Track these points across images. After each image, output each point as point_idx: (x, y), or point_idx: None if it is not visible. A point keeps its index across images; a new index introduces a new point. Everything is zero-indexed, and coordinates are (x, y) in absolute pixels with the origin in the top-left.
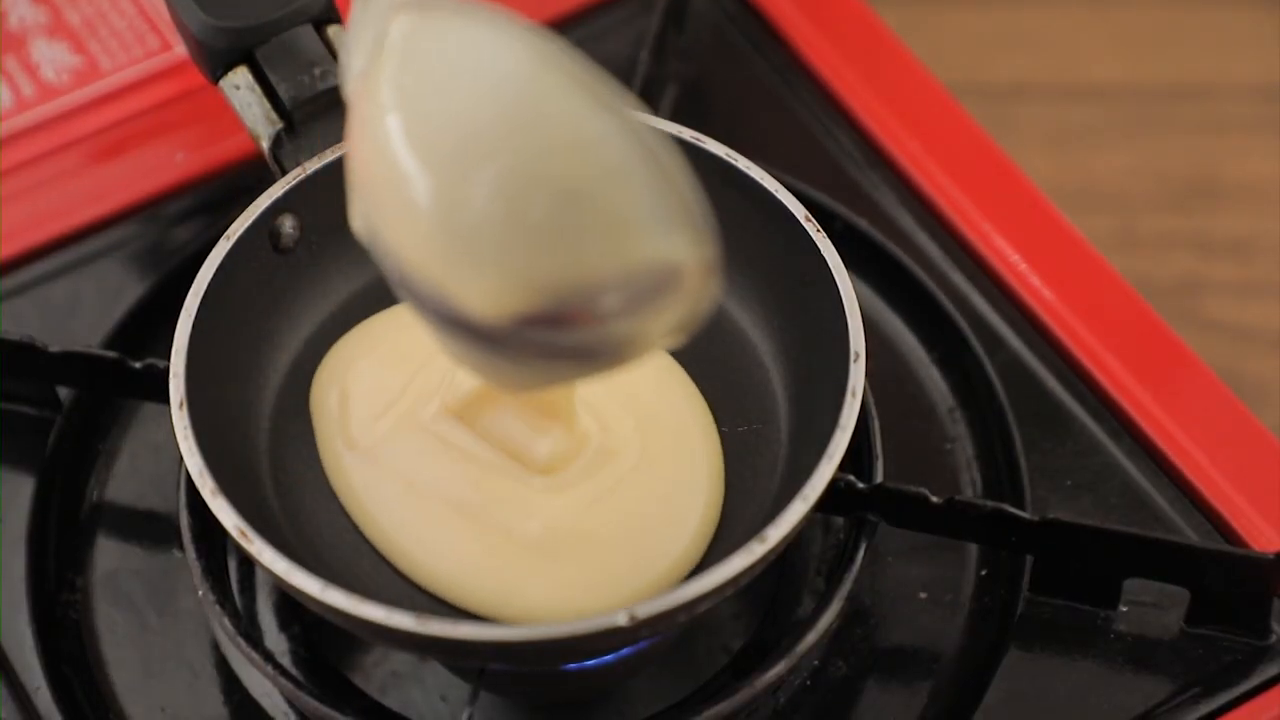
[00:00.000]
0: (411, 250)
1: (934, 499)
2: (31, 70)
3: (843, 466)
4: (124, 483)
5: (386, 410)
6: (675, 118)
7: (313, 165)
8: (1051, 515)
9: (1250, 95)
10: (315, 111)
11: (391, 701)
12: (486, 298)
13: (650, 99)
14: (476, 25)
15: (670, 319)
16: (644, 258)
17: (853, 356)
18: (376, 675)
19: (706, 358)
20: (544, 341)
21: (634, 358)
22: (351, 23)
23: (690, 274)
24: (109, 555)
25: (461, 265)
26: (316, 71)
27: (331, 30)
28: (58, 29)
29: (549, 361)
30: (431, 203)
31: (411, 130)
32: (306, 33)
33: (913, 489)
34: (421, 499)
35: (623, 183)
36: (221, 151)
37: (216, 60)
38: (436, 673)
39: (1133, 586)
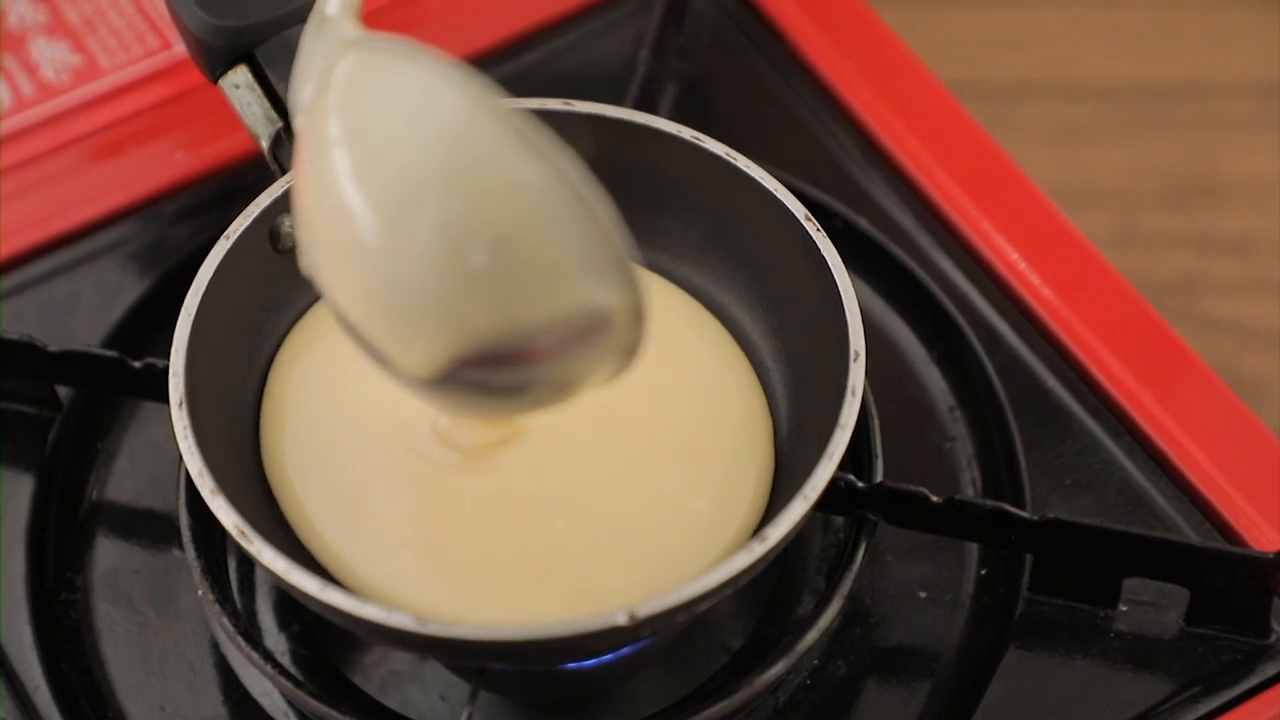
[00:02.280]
0: (344, 296)
1: (934, 498)
2: (31, 69)
3: (842, 466)
4: (123, 482)
5: (325, 412)
6: (675, 116)
7: None
8: (1051, 514)
9: (1249, 93)
10: None
11: (391, 701)
12: (418, 355)
13: (650, 97)
14: (419, 71)
15: (602, 359)
16: (573, 304)
17: (852, 355)
18: (376, 674)
19: None
20: (476, 380)
21: (570, 395)
22: (301, 50)
23: (619, 318)
24: (108, 554)
25: (392, 319)
26: None
27: None
28: (57, 28)
29: (483, 397)
30: (362, 252)
31: (346, 177)
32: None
33: (912, 488)
34: (371, 522)
35: (553, 230)
36: (221, 150)
37: (216, 59)
38: (436, 672)
39: (1132, 586)
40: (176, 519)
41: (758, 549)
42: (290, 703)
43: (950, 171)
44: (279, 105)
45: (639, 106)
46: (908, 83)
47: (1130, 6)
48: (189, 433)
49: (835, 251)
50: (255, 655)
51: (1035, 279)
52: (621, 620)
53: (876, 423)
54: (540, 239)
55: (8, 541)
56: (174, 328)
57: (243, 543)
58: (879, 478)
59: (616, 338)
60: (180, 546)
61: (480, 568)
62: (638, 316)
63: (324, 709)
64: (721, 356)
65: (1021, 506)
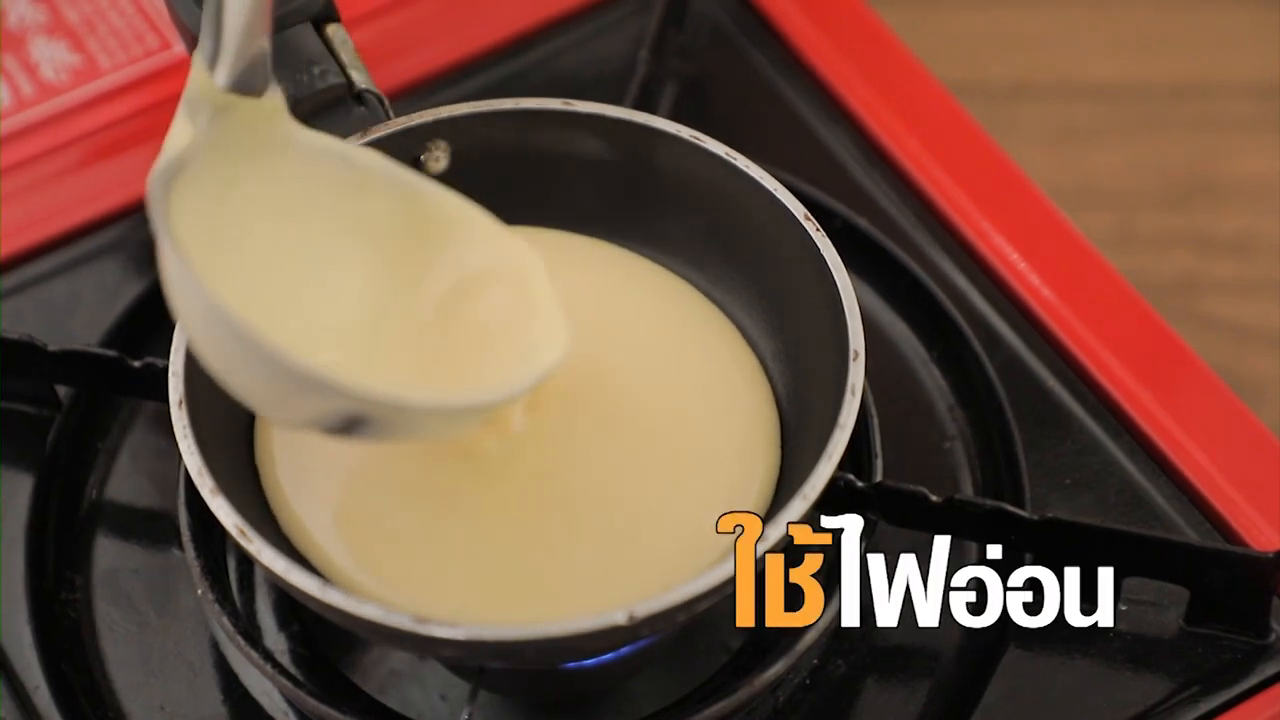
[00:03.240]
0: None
1: (933, 497)
2: (31, 69)
3: (842, 465)
4: (123, 481)
5: None
6: (675, 116)
7: None
8: (1051, 514)
9: (1249, 93)
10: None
11: (391, 700)
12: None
13: (650, 97)
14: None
15: (477, 420)
16: (309, 412)
17: (852, 355)
18: (376, 674)
19: None
20: (361, 437)
21: (482, 427)
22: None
23: (369, 413)
24: (108, 554)
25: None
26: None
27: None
28: (57, 28)
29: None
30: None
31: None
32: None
33: (912, 488)
34: (363, 527)
35: (248, 366)
36: None
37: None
38: (436, 671)
39: (1132, 585)
40: (176, 519)
41: (758, 548)
42: (290, 702)
43: (950, 171)
44: None
45: (639, 106)
46: (908, 83)
47: (1130, 6)
48: (189, 432)
49: (835, 251)
50: (255, 655)
51: (1035, 279)
52: (621, 620)
53: (876, 422)
54: (244, 373)
55: (8, 541)
56: (173, 327)
57: (242, 542)
58: (878, 477)
59: (385, 427)
60: (180, 546)
61: (478, 568)
62: (387, 409)
63: (324, 708)
64: (729, 354)
65: (1021, 506)
